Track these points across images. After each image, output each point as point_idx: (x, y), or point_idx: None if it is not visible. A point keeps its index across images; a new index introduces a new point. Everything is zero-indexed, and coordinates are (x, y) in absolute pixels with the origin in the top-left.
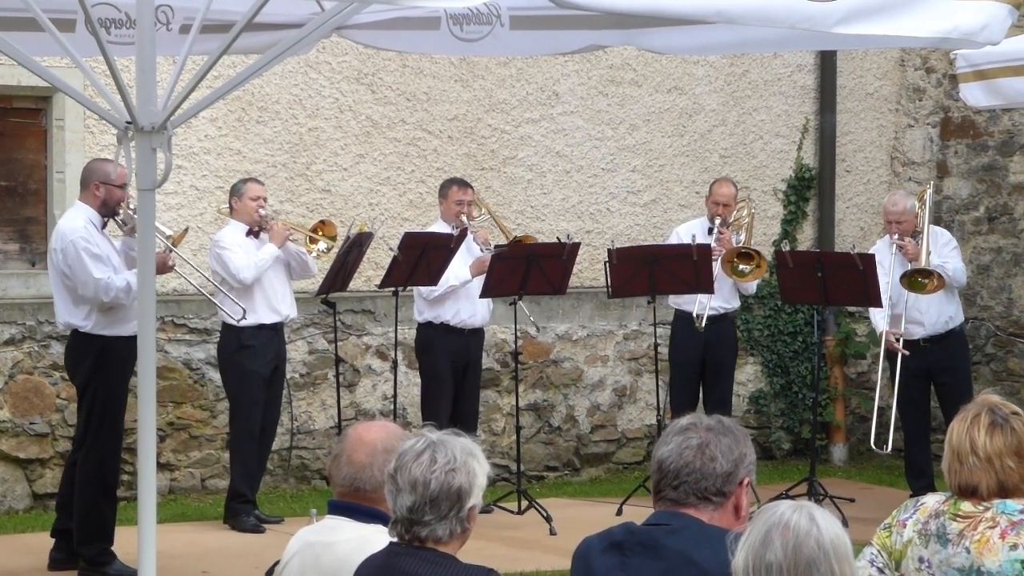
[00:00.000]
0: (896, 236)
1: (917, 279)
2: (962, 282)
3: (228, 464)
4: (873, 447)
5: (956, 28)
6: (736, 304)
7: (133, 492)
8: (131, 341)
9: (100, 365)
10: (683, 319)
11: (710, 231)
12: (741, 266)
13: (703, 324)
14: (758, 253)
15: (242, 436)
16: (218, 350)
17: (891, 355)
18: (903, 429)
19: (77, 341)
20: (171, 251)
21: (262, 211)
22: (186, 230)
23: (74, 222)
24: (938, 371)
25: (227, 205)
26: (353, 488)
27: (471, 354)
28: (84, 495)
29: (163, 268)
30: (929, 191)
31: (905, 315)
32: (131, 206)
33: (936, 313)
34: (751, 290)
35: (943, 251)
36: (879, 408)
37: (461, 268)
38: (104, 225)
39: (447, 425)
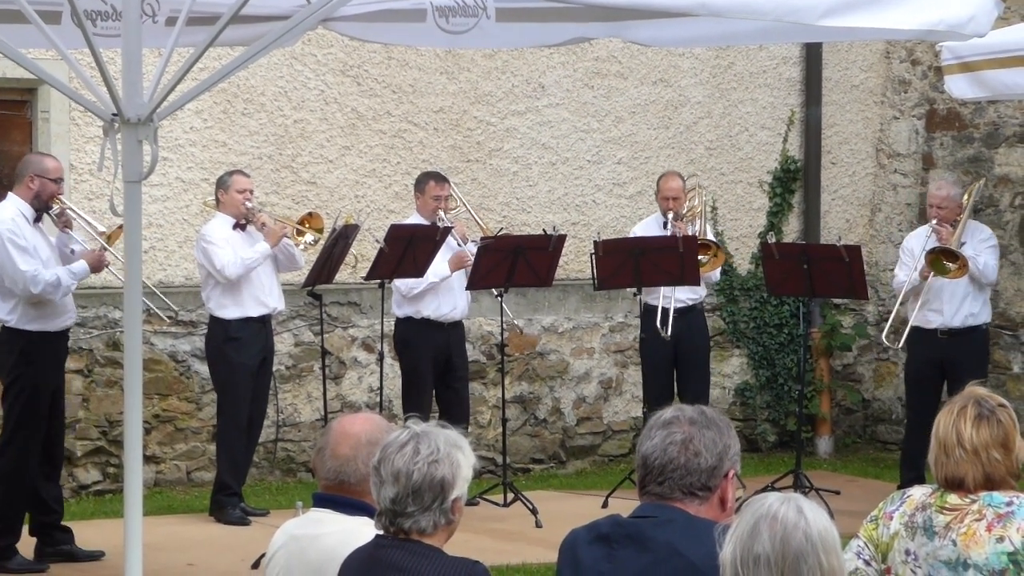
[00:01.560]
0: (935, 221)
1: (941, 261)
2: (991, 279)
3: (214, 457)
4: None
5: (942, 20)
6: (702, 294)
7: (118, 485)
8: (59, 337)
9: (25, 360)
10: (651, 313)
11: (665, 226)
12: (700, 257)
13: (668, 332)
14: (715, 243)
15: (229, 428)
16: (206, 342)
17: (912, 346)
18: (906, 415)
19: (3, 335)
20: (105, 249)
21: (248, 203)
22: (120, 227)
23: (3, 214)
24: (951, 366)
25: (213, 198)
26: (338, 481)
27: (452, 347)
28: None
29: (98, 266)
30: (978, 186)
31: (927, 301)
32: (66, 201)
33: (956, 306)
34: (715, 278)
35: (979, 246)
36: (863, 400)
37: (440, 263)
38: (38, 219)
39: (428, 419)
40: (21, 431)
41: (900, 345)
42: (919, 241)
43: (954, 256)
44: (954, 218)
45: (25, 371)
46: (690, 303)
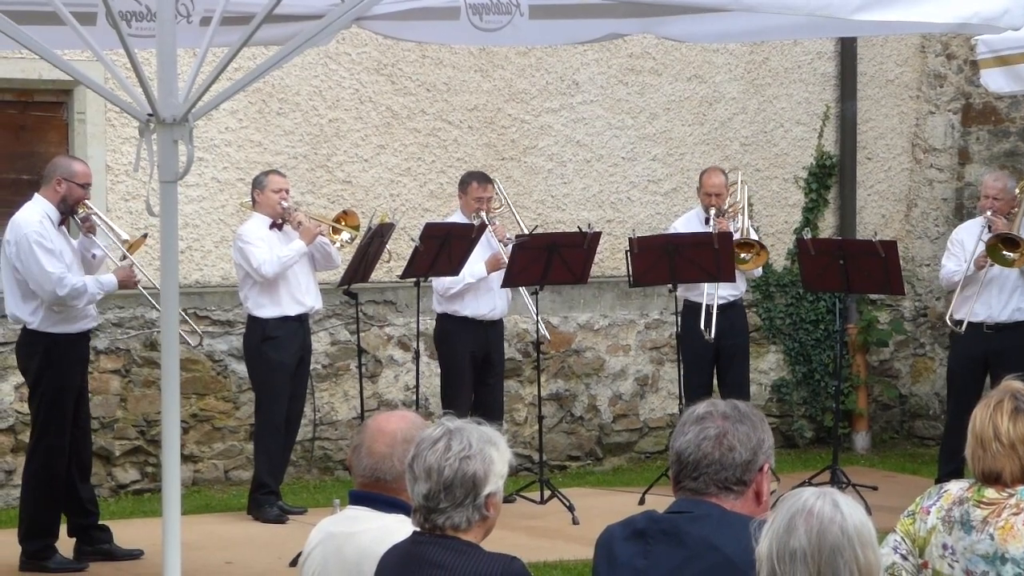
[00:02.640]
0: (990, 212)
1: (1002, 251)
2: None
3: (251, 455)
4: None
5: (976, 14)
6: (742, 289)
7: (157, 484)
8: (81, 338)
9: (48, 363)
10: (693, 310)
11: (707, 221)
12: (742, 255)
13: (711, 334)
14: (758, 243)
15: (267, 427)
16: (244, 341)
17: (955, 339)
18: (947, 409)
19: (26, 338)
20: (125, 257)
21: (284, 203)
22: (144, 236)
23: (30, 215)
24: (996, 359)
25: (249, 198)
26: (374, 478)
27: (491, 345)
28: (29, 491)
29: (128, 284)
30: None
31: (976, 296)
32: (91, 207)
33: (1005, 301)
34: (756, 274)
35: None
36: (900, 396)
37: (476, 264)
38: (62, 223)
39: (467, 416)
40: (48, 433)
41: (963, 329)
42: (971, 232)
43: (1015, 244)
44: (1008, 210)
45: (48, 373)
46: (731, 299)
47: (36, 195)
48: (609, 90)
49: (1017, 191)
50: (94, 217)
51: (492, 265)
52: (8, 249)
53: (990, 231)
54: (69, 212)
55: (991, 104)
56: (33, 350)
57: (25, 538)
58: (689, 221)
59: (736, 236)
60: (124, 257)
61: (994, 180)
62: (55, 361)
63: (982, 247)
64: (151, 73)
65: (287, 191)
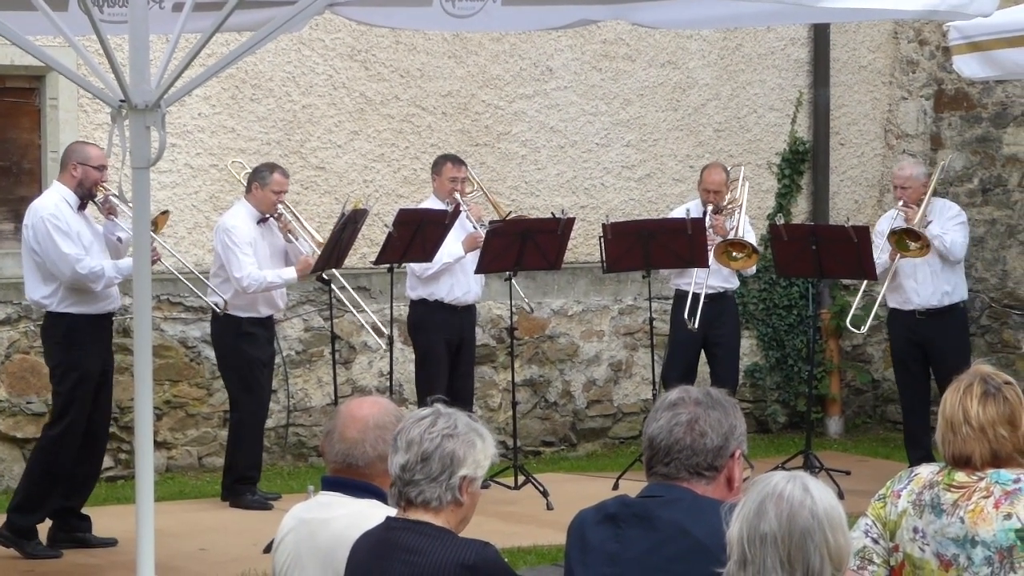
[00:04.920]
0: (901, 203)
1: (904, 240)
2: (958, 256)
3: (225, 442)
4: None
5: (945, 0)
6: (735, 283)
7: (130, 471)
8: (103, 319)
9: (69, 343)
10: (683, 299)
11: (704, 215)
12: (734, 253)
13: (695, 323)
14: (749, 245)
15: (250, 423)
16: (215, 337)
17: (891, 327)
18: (900, 400)
19: (47, 320)
20: (152, 239)
21: (280, 206)
22: (166, 212)
23: (47, 200)
24: (933, 345)
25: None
26: (346, 464)
27: (464, 331)
28: (34, 464)
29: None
30: (942, 164)
31: (902, 284)
32: (111, 189)
33: (932, 286)
34: (750, 271)
35: (947, 224)
36: (873, 381)
37: (454, 244)
38: (82, 207)
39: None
40: (66, 415)
41: (864, 330)
42: (888, 223)
43: (916, 235)
44: (919, 197)
45: (69, 355)
46: (722, 290)
47: (55, 182)
48: (583, 76)
49: (926, 177)
50: (112, 199)
51: (470, 244)
52: (26, 233)
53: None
54: (87, 196)
55: (963, 90)
56: (53, 332)
57: (14, 510)
58: (691, 211)
59: (731, 235)
60: (153, 242)
61: (900, 170)
62: (76, 343)
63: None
64: (123, 59)
65: (285, 192)
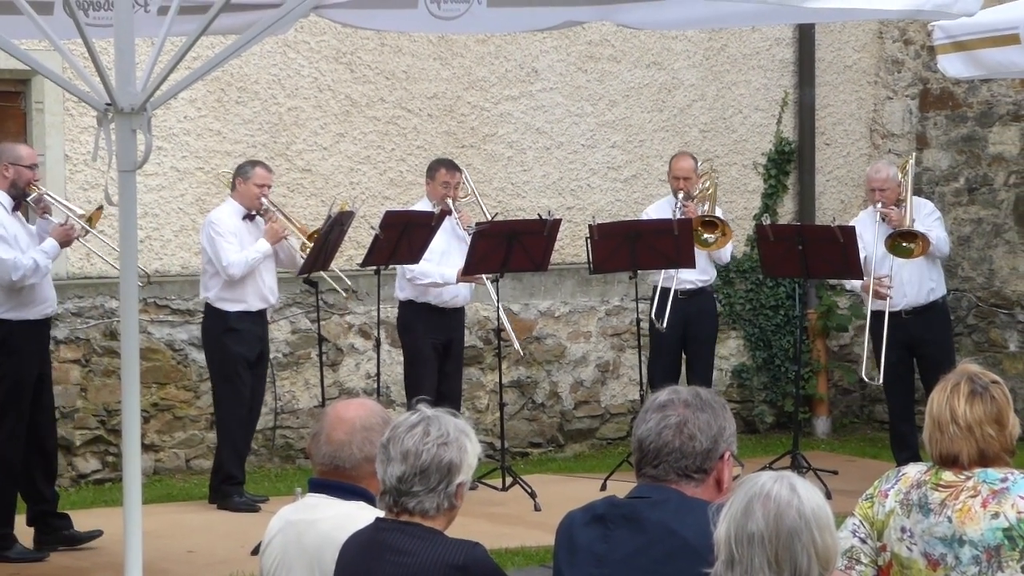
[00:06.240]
0: (880, 205)
1: (901, 244)
2: (945, 252)
3: (213, 444)
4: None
5: (929, 0)
6: (712, 275)
7: (117, 473)
8: (40, 325)
9: (6, 350)
10: (663, 296)
11: (676, 206)
12: (706, 235)
13: (664, 323)
14: (721, 220)
15: (232, 419)
16: (204, 332)
17: (875, 327)
18: (887, 401)
19: None
20: (87, 231)
21: (264, 200)
22: (100, 208)
23: None
24: (919, 343)
25: (229, 181)
26: (333, 466)
27: (453, 332)
28: None
29: (67, 240)
30: (911, 161)
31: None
32: (42, 187)
33: (918, 284)
34: (725, 259)
35: (926, 221)
36: (860, 381)
37: (448, 259)
38: (17, 207)
39: (432, 404)
40: (5, 421)
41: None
42: (866, 223)
43: (913, 235)
44: (896, 197)
45: (6, 360)
46: (699, 284)
47: None
48: (568, 77)
49: (900, 176)
50: (47, 198)
51: (466, 279)
52: None
53: (884, 222)
54: (21, 196)
55: (948, 89)
56: None
57: None
58: (660, 208)
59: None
60: (86, 232)
61: (875, 172)
62: (12, 349)
63: (882, 249)
64: (109, 62)
65: (269, 186)
